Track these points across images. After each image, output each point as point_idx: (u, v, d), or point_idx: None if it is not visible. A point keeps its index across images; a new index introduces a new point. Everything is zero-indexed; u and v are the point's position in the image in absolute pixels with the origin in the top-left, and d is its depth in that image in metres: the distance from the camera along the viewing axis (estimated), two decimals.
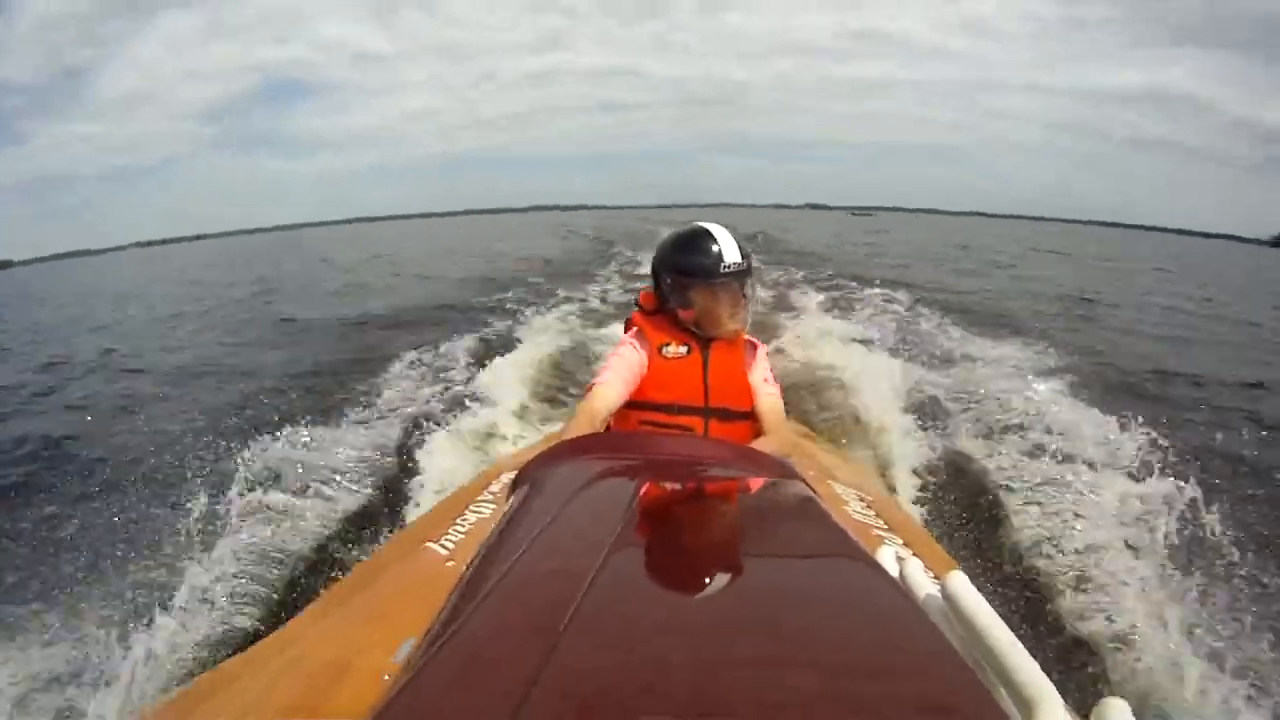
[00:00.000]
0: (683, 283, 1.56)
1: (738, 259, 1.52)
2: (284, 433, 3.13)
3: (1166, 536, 2.19)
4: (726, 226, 1.57)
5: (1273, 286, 15.81)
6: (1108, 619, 1.93)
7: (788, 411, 1.76)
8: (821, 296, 7.56)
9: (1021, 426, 3.21)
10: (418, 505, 2.72)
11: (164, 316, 10.41)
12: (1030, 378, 4.05)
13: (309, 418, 3.33)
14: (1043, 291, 10.23)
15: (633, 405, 1.58)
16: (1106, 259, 21.39)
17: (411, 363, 4.95)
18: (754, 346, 1.68)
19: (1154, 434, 2.80)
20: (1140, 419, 2.92)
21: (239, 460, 2.72)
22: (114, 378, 6.22)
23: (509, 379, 4.22)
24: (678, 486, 1.05)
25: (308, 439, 3.14)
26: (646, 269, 1.70)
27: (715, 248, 1.52)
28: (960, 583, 0.58)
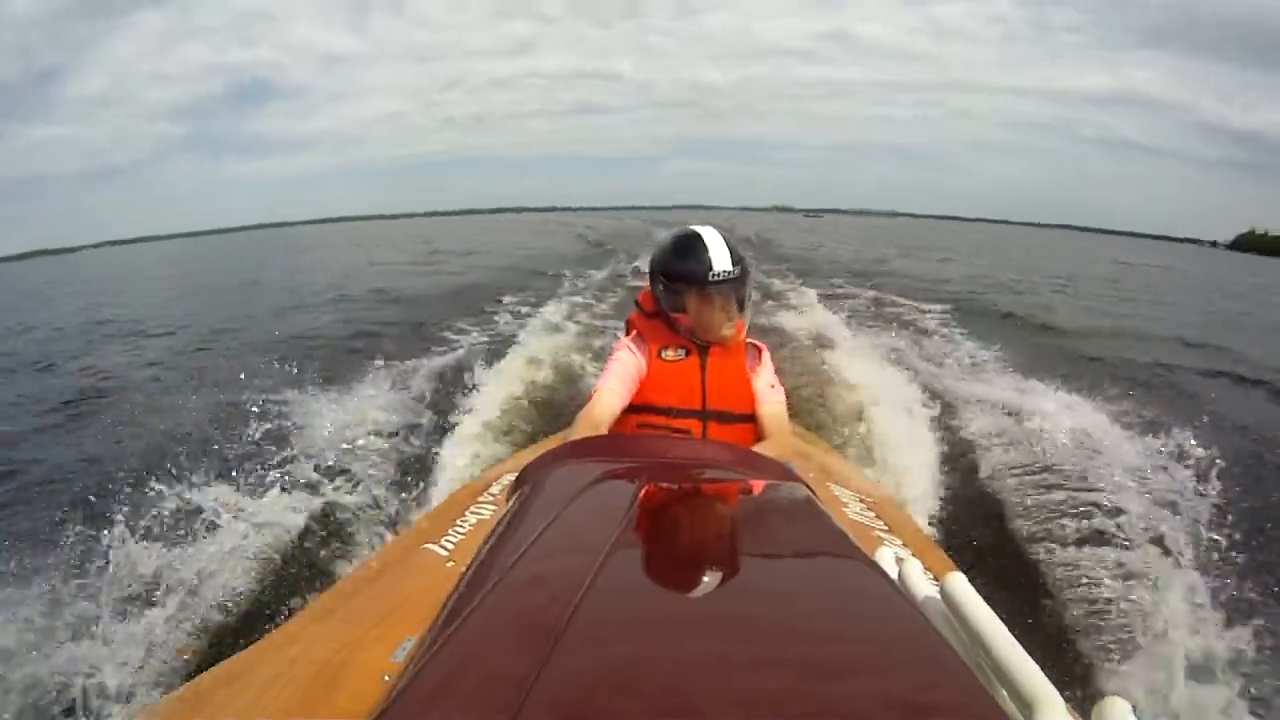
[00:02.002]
0: (675, 288, 1.55)
1: (728, 266, 1.50)
2: (282, 432, 3.11)
3: (1169, 534, 2.19)
4: (720, 229, 1.55)
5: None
6: (1109, 618, 1.93)
7: (792, 414, 1.76)
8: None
9: (1012, 413, 3.20)
10: (418, 506, 2.72)
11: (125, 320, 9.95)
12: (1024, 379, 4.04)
13: (305, 417, 3.32)
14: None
15: (631, 409, 1.58)
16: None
17: (410, 363, 4.94)
18: (758, 350, 1.67)
19: (1160, 428, 2.80)
20: (1142, 415, 2.93)
21: (233, 459, 2.70)
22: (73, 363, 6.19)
23: (508, 381, 4.22)
24: (678, 489, 1.05)
25: (306, 438, 3.13)
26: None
27: (707, 254, 1.50)
28: (959, 584, 0.58)
